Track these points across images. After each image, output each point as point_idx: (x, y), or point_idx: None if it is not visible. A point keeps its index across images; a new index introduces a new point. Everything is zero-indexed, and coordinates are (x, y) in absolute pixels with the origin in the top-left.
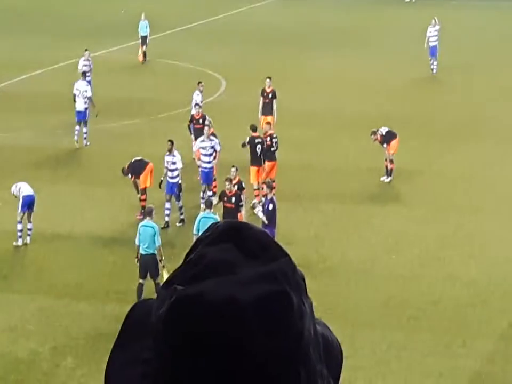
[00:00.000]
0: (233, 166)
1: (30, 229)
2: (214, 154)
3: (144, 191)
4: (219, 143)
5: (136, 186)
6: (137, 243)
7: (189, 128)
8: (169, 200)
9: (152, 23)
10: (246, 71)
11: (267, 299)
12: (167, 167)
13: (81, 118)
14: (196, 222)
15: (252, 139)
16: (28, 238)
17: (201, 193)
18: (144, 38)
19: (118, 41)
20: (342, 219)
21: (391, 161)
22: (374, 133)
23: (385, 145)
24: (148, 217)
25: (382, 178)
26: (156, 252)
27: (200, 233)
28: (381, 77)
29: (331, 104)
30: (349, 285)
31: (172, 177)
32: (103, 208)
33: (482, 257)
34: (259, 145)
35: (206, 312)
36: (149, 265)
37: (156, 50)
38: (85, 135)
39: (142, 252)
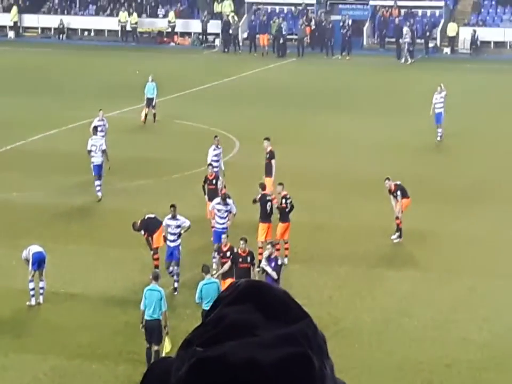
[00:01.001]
0: (223, 233)
1: (42, 287)
2: (228, 216)
3: (156, 250)
4: (235, 206)
5: (149, 244)
6: (142, 308)
7: (203, 189)
8: (168, 267)
9: (165, 85)
10: (259, 131)
11: (288, 362)
12: (169, 232)
13: (100, 171)
14: (198, 290)
15: (263, 196)
16: (41, 297)
17: (214, 253)
18: (150, 100)
19: (132, 102)
20: (355, 281)
21: (397, 218)
22: (389, 179)
23: (398, 195)
24: (154, 282)
25: (393, 237)
26: (160, 317)
27: (202, 301)
28: (391, 138)
29: (343, 165)
30: (362, 347)
31: (174, 241)
32: (116, 268)
33: (496, 320)
34: (269, 203)
35: (227, 375)
36: (153, 330)
37: (170, 111)
38: (99, 187)
39: (146, 317)
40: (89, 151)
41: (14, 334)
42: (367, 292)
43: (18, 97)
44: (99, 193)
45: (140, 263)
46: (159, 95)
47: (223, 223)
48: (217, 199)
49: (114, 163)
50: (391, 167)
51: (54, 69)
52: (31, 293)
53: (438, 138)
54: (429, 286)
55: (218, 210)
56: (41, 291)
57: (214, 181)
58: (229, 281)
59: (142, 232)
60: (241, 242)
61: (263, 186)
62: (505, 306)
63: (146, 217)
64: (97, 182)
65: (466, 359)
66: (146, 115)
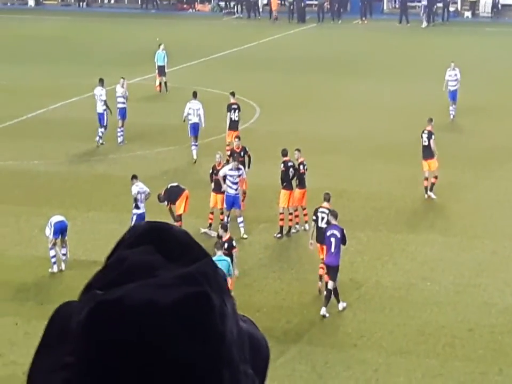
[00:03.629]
0: (221, 228)
1: (64, 254)
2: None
3: (180, 217)
4: (245, 172)
5: (172, 213)
6: None
7: (211, 177)
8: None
9: (185, 51)
10: (280, 98)
11: (187, 301)
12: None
13: (196, 132)
14: None
15: (285, 163)
16: (63, 265)
17: (226, 218)
18: (161, 68)
19: (153, 69)
20: (376, 246)
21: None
22: (431, 120)
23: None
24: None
25: (429, 194)
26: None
27: None
28: (413, 104)
29: (363, 130)
30: (384, 312)
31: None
32: None
33: None
34: (291, 169)
35: (125, 318)
36: None
37: (190, 78)
38: (194, 147)
39: None
40: (188, 115)
41: (36, 301)
42: (388, 256)
43: (39, 65)
44: (194, 152)
45: None
46: (177, 61)
47: (236, 189)
48: (230, 165)
49: (134, 131)
50: (411, 132)
51: (74, 37)
52: (53, 260)
53: (451, 117)
54: (450, 250)
55: (231, 176)
56: (63, 258)
57: (241, 153)
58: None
59: (165, 202)
60: (221, 231)
61: (284, 153)
62: None
63: (169, 186)
64: (193, 142)
65: (488, 323)
66: (160, 83)
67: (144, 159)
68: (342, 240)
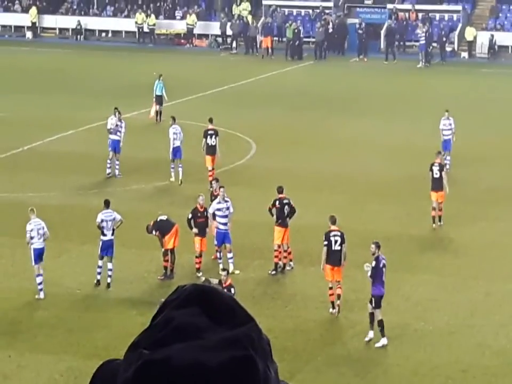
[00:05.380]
0: (223, 270)
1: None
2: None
3: (166, 252)
4: (232, 206)
5: (161, 242)
6: None
7: (189, 224)
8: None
9: (182, 86)
10: (276, 134)
11: (232, 364)
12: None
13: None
14: None
15: (280, 200)
16: (40, 294)
17: (218, 254)
18: (158, 97)
19: (149, 103)
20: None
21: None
22: (440, 152)
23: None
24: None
25: (439, 224)
26: None
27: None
28: (408, 142)
29: (359, 168)
30: (378, 351)
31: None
32: (131, 269)
33: None
34: (286, 206)
35: (172, 378)
36: None
37: (186, 113)
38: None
39: None
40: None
41: (30, 334)
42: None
43: (36, 97)
44: (180, 173)
45: (155, 264)
46: (175, 96)
47: (225, 223)
48: (217, 200)
49: (130, 164)
50: (407, 170)
51: (71, 69)
52: (39, 287)
53: (447, 166)
54: (445, 290)
55: (219, 210)
56: (39, 286)
57: (204, 213)
58: None
59: (154, 232)
60: (223, 273)
61: (280, 190)
62: None
63: (158, 219)
64: (179, 165)
65: (482, 364)
66: (156, 112)
67: (139, 193)
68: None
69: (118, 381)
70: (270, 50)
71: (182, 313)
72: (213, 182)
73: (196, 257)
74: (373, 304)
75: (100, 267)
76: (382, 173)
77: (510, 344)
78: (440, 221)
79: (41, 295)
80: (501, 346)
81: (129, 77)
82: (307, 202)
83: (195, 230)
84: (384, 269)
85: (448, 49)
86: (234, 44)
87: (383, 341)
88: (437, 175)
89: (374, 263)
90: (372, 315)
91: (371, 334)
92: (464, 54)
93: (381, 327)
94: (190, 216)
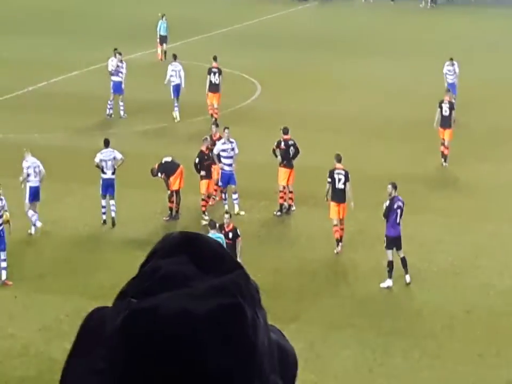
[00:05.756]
0: (226, 213)
1: (34, 217)
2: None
3: (172, 193)
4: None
5: (167, 183)
6: None
7: (196, 168)
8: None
9: (186, 27)
10: (281, 76)
11: (220, 311)
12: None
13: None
14: None
15: (286, 141)
16: (33, 228)
17: (223, 195)
18: (163, 37)
19: (154, 43)
20: (376, 226)
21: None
22: (449, 90)
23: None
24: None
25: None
26: None
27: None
28: (413, 84)
29: (363, 109)
30: (382, 292)
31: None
32: (136, 210)
33: None
34: (292, 147)
35: (160, 326)
36: None
37: (191, 54)
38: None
39: None
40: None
41: (36, 274)
42: None
43: (40, 38)
44: (177, 114)
45: (160, 205)
46: (179, 36)
47: (230, 164)
48: (222, 140)
49: (135, 105)
50: (412, 112)
51: (76, 10)
52: (33, 220)
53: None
54: (450, 231)
55: (224, 150)
56: (34, 221)
57: (210, 155)
58: None
59: (159, 174)
60: (226, 216)
61: (285, 131)
62: None
63: (163, 161)
64: (175, 104)
65: (486, 305)
66: (162, 51)
67: (144, 134)
68: (402, 212)
69: (106, 329)
70: None
71: (169, 262)
72: (212, 126)
73: (202, 199)
74: (385, 244)
75: (104, 207)
76: (386, 114)
77: None
78: (445, 161)
79: (33, 230)
80: (506, 286)
81: (133, 17)
82: (312, 143)
83: (203, 173)
84: (399, 211)
85: None
86: None
87: (388, 282)
88: (446, 113)
89: (388, 203)
90: (390, 263)
91: (389, 282)
92: None
93: (404, 265)
94: (197, 160)
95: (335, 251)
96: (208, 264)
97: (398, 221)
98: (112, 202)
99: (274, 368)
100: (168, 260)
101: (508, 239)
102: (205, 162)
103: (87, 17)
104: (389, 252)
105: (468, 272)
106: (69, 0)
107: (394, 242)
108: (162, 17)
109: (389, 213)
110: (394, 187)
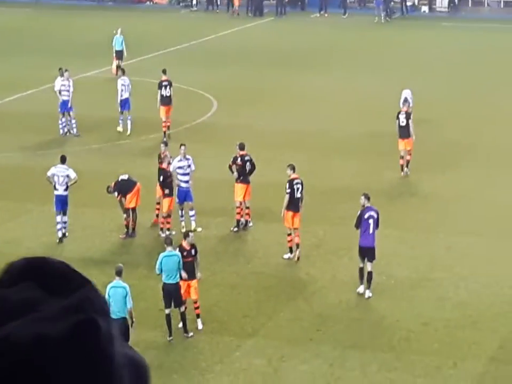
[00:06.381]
0: (190, 231)
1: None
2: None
3: (128, 211)
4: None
5: (122, 204)
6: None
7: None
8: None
9: (143, 44)
10: (237, 92)
11: (75, 330)
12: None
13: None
14: (158, 262)
15: (242, 157)
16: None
17: (180, 212)
18: (118, 52)
19: (110, 61)
20: (333, 240)
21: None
22: (406, 101)
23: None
24: (117, 277)
25: (406, 170)
26: (127, 315)
27: (162, 274)
28: (370, 98)
29: (320, 125)
30: (340, 306)
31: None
32: (92, 228)
33: (473, 279)
34: (248, 163)
35: (15, 355)
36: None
37: (147, 71)
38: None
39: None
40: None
41: None
42: (345, 251)
43: None
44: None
45: (116, 223)
46: (135, 53)
47: (187, 181)
48: (178, 157)
49: (91, 123)
50: (369, 126)
51: (32, 28)
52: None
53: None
54: (406, 245)
55: (180, 168)
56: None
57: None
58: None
59: (116, 194)
60: (191, 235)
61: (241, 147)
62: (482, 265)
63: (120, 179)
64: (128, 117)
65: (443, 317)
66: (117, 66)
67: (99, 152)
68: (377, 222)
69: None
70: (237, 8)
71: (13, 290)
72: (161, 145)
73: (163, 217)
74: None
75: (59, 222)
76: (343, 129)
77: (470, 297)
78: (407, 166)
79: None
80: (461, 299)
81: (90, 36)
82: (268, 159)
83: (166, 191)
84: (371, 221)
85: (409, 3)
86: (194, 1)
87: (368, 293)
88: (403, 123)
89: (358, 213)
90: (360, 270)
91: (361, 288)
92: (425, 8)
93: (368, 279)
94: (161, 178)
95: (286, 256)
96: (56, 286)
97: (371, 231)
98: (64, 218)
99: (130, 378)
100: (14, 288)
101: (463, 252)
102: (167, 180)
103: (41, 36)
104: (360, 259)
105: (424, 285)
106: (23, 19)
107: (366, 252)
108: (118, 32)
109: (360, 223)
110: (367, 198)
